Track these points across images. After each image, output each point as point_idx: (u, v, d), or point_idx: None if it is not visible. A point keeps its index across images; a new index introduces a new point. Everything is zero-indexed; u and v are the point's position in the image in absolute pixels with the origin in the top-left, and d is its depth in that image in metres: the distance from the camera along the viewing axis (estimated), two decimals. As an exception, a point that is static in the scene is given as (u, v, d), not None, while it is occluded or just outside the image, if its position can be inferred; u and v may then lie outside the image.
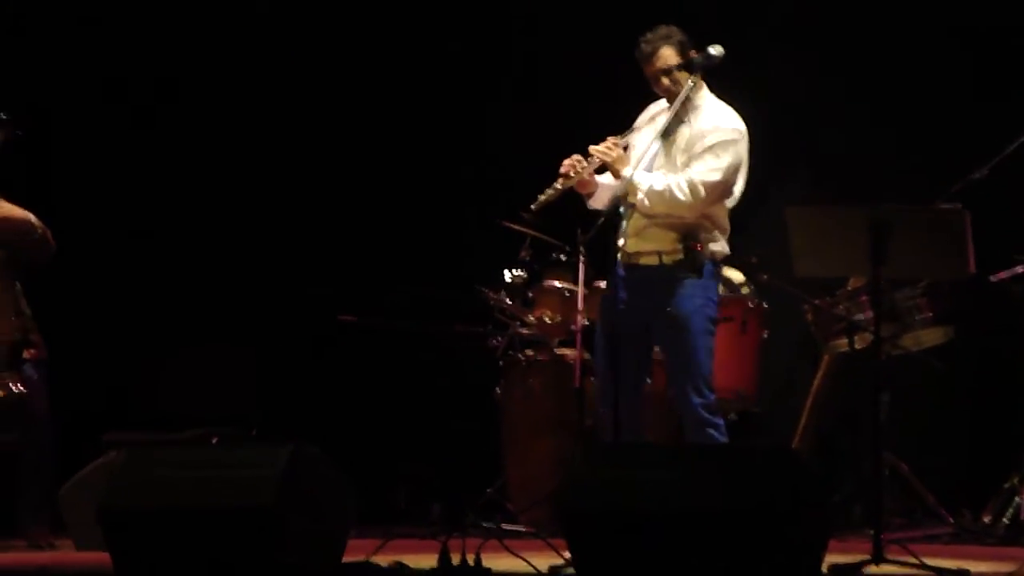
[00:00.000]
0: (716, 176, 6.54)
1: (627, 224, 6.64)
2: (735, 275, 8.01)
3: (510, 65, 9.15)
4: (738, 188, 6.69)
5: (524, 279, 8.16)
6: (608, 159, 6.61)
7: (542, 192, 6.65)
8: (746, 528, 5.03)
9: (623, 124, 6.80)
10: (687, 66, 6.57)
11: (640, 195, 6.51)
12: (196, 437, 7.76)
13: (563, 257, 8.06)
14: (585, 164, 6.63)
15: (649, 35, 6.65)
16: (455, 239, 8.90)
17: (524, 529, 7.65)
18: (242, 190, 9.31)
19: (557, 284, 8.07)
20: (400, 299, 8.53)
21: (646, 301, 6.59)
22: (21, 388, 7.08)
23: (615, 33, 7.25)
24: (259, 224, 9.27)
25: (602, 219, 6.45)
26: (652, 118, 6.77)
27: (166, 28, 9.34)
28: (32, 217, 7.29)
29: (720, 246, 6.71)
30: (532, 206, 6.68)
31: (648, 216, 6.57)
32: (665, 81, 6.63)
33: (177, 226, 9.29)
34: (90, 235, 8.65)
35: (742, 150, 6.64)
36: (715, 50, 6.56)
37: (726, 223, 6.73)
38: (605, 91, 8.10)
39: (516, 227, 7.95)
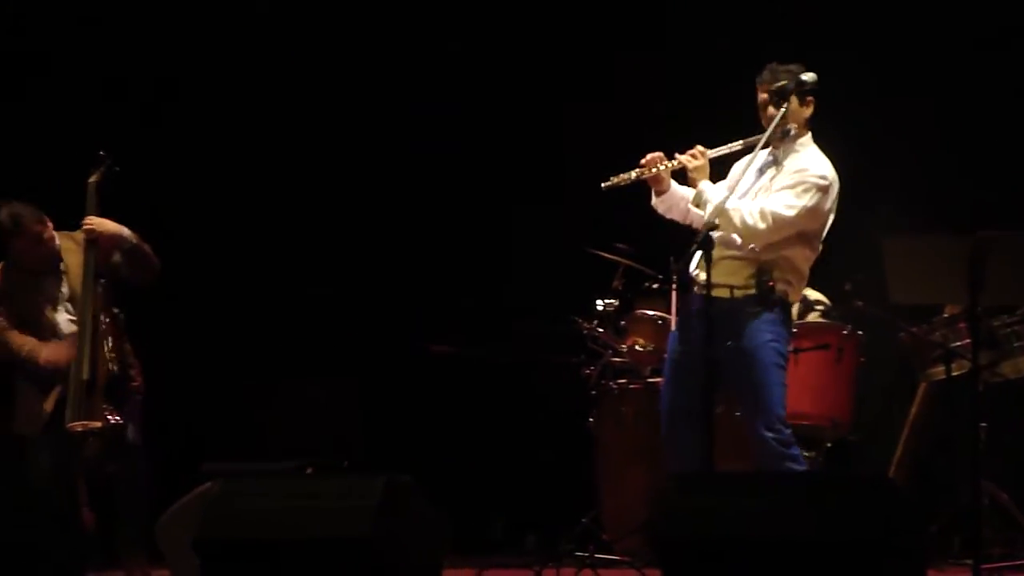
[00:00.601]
0: (790, 213, 6.47)
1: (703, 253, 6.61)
2: (811, 293, 7.95)
3: (601, 94, 9.14)
4: (821, 237, 6.63)
5: (616, 308, 8.15)
6: (690, 164, 6.60)
7: (615, 175, 6.66)
8: (842, 558, 4.98)
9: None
10: (779, 92, 6.54)
11: (709, 207, 6.49)
12: (292, 468, 7.81)
13: (655, 286, 8.04)
14: (667, 163, 6.64)
15: (778, 64, 6.61)
16: (548, 269, 8.90)
17: (619, 558, 7.63)
18: (340, 225, 9.37)
19: (649, 312, 8.04)
20: (494, 329, 8.54)
21: (718, 335, 6.54)
22: (119, 419, 7.12)
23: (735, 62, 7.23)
24: (354, 257, 9.32)
25: (695, 247, 6.42)
26: (743, 151, 6.72)
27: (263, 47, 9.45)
28: (124, 230, 7.32)
29: (793, 292, 6.64)
30: (603, 184, 6.68)
31: (713, 231, 6.51)
32: (772, 110, 6.58)
33: (276, 258, 9.35)
34: (191, 264, 8.71)
35: (825, 197, 6.55)
36: (807, 76, 6.53)
37: (805, 271, 6.66)
38: (707, 119, 8.09)
39: (609, 256, 7.96)
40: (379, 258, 9.31)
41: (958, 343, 7.40)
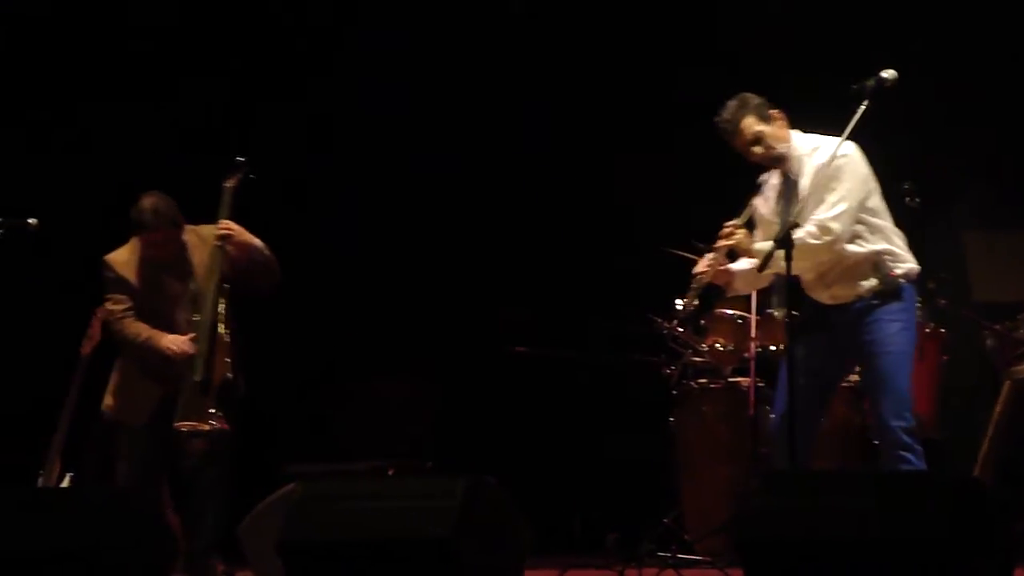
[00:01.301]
0: (842, 206, 6.44)
1: (814, 279, 6.58)
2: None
3: (684, 91, 9.11)
4: (874, 201, 6.59)
5: (696, 307, 8.12)
6: (733, 242, 6.57)
7: (682, 296, 6.70)
8: (928, 558, 4.94)
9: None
10: (857, 93, 6.50)
11: (780, 261, 6.46)
12: (373, 469, 7.83)
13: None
14: (712, 256, 6.61)
15: (723, 113, 6.58)
16: (627, 268, 8.89)
17: (700, 558, 7.61)
18: (422, 224, 9.41)
19: (729, 312, 8.02)
20: (573, 329, 8.54)
21: (843, 331, 6.52)
22: (225, 426, 7.11)
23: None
24: (436, 257, 9.35)
25: (774, 246, 6.39)
26: (758, 192, 6.70)
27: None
28: (258, 241, 7.31)
29: (910, 263, 6.60)
30: (682, 307, 6.70)
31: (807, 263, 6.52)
32: (757, 150, 6.56)
33: (358, 258, 9.39)
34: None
35: (855, 166, 6.52)
36: (887, 73, 6.47)
37: (898, 238, 6.62)
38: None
39: (688, 255, 7.94)
40: (460, 258, 9.33)
41: (1043, 341, 7.34)
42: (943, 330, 7.81)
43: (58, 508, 5.73)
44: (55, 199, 8.69)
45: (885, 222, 6.60)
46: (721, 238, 6.57)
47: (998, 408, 8.02)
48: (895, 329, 6.49)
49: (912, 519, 5.01)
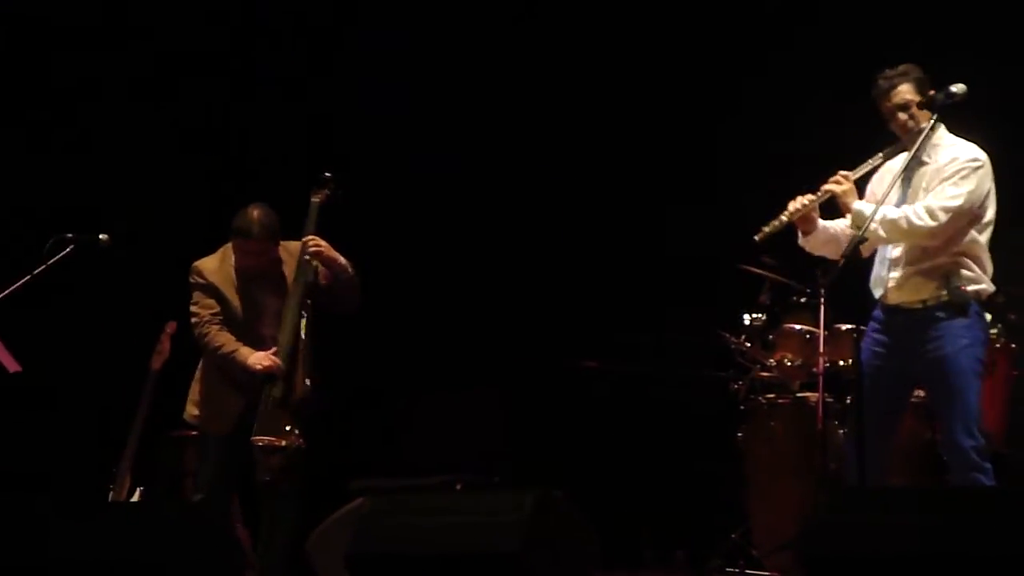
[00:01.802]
0: (957, 201, 6.42)
1: (887, 275, 6.56)
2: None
3: (748, 106, 9.10)
4: (988, 217, 6.55)
5: (764, 322, 8.11)
6: (837, 190, 6.56)
7: (767, 224, 6.63)
8: (999, 575, 4.91)
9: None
10: (928, 104, 6.48)
11: (873, 224, 6.43)
12: (441, 483, 7.84)
13: (803, 299, 8.00)
14: (812, 197, 6.60)
15: (888, 71, 6.59)
16: (696, 283, 8.87)
17: (768, 574, 7.60)
18: (490, 238, 9.42)
19: (797, 327, 8.00)
20: (642, 344, 8.54)
21: (909, 344, 6.50)
22: (302, 442, 7.11)
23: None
24: (505, 271, 9.36)
25: (843, 260, 6.37)
26: (882, 162, 6.68)
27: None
28: (348, 263, 7.31)
29: (984, 285, 6.57)
30: (756, 236, 6.65)
31: (889, 242, 6.48)
32: (902, 116, 6.55)
33: (425, 270, 9.41)
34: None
35: (984, 177, 6.50)
36: (957, 88, 6.45)
37: (987, 260, 6.58)
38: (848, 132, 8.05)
39: (756, 270, 7.93)
40: (529, 272, 9.33)
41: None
42: (1013, 345, 7.75)
43: (128, 522, 5.76)
44: (129, 212, 8.77)
45: (984, 242, 6.56)
46: (829, 183, 6.58)
47: (1067, 423, 7.96)
48: (961, 345, 6.45)
49: (982, 535, 4.97)
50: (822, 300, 7.46)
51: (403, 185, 9.51)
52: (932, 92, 6.52)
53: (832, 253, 6.69)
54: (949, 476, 6.66)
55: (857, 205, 6.54)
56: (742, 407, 8.15)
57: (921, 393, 7.33)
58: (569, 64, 9.41)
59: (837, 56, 8.65)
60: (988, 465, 6.46)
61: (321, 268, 7.24)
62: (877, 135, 6.68)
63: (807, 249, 6.75)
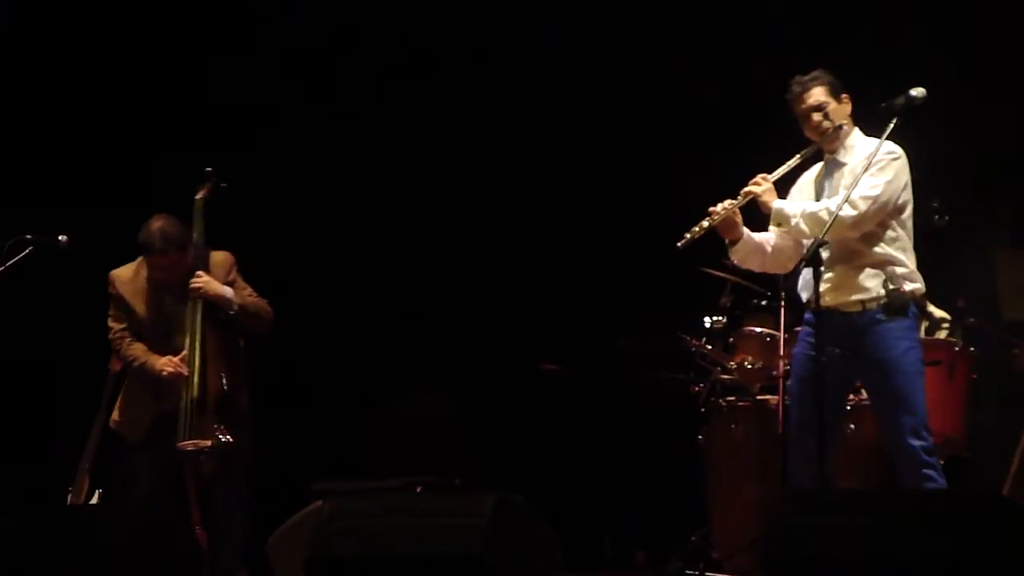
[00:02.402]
0: (876, 191, 6.47)
1: (818, 279, 6.58)
2: (936, 311, 7.91)
3: (700, 105, 9.12)
4: (908, 210, 6.59)
5: (724, 325, 8.13)
6: (757, 190, 6.59)
7: (688, 230, 6.64)
8: (957, 576, 4.93)
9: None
10: (888, 109, 6.51)
11: (794, 220, 6.48)
12: (401, 486, 7.83)
13: (763, 302, 8.02)
14: (733, 201, 6.62)
15: (800, 76, 6.68)
16: (656, 286, 8.88)
17: (729, 577, 7.61)
18: (449, 241, 9.41)
19: (757, 330, 8.02)
20: (602, 347, 8.54)
21: (847, 347, 6.52)
22: (229, 438, 7.14)
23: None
24: (463, 275, 9.35)
25: (802, 263, 6.39)
26: (799, 163, 6.73)
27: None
28: (228, 296, 7.27)
29: (918, 284, 6.62)
30: (678, 243, 6.66)
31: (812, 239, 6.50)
32: (816, 117, 6.62)
33: (386, 274, 9.40)
34: (297, 281, 8.78)
35: (902, 168, 6.56)
36: (917, 91, 6.47)
37: (913, 256, 6.64)
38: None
39: (716, 273, 7.94)
40: (489, 276, 9.33)
41: (1072, 359, 7.31)
42: (972, 349, 7.78)
43: (86, 525, 5.73)
44: (86, 214, 8.72)
45: (908, 238, 6.60)
46: (749, 185, 6.60)
47: (1028, 426, 8.01)
48: (904, 348, 6.49)
49: (941, 538, 4.99)
50: (782, 303, 7.48)
51: (365, 188, 9.49)
52: (844, 96, 6.66)
53: (758, 265, 6.78)
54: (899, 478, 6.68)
55: (777, 204, 6.59)
56: (702, 409, 8.17)
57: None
58: (514, 70, 9.42)
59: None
60: (937, 462, 6.49)
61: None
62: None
63: (735, 260, 6.79)
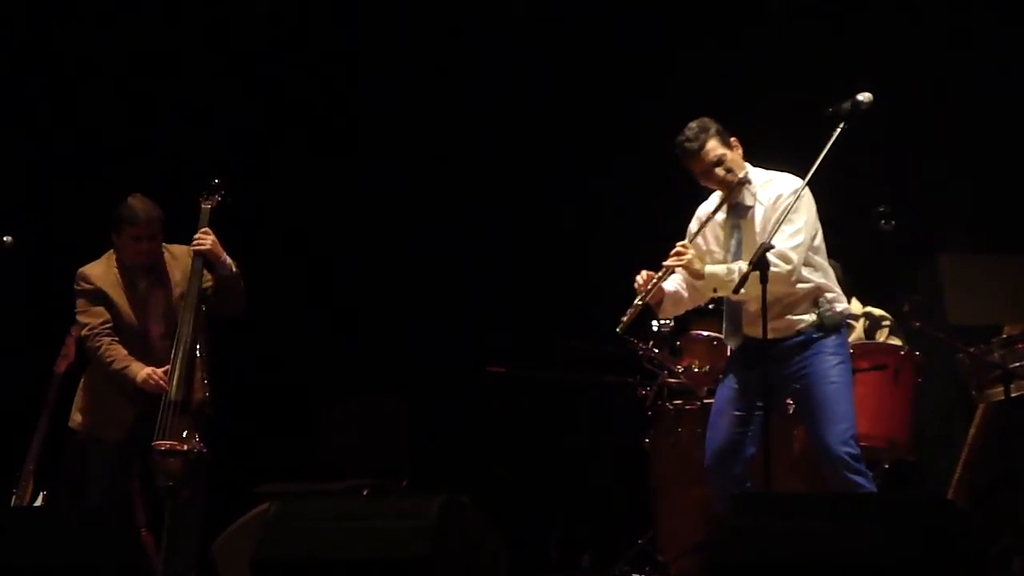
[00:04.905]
0: (799, 238, 6.57)
1: (751, 316, 6.64)
2: (875, 311, 7.98)
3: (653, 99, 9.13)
4: (819, 238, 6.69)
5: (672, 328, 8.14)
6: (682, 262, 6.61)
7: (624, 314, 6.69)
8: (903, 579, 4.96)
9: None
10: (835, 116, 6.53)
11: (732, 286, 6.51)
12: (348, 488, 7.81)
13: (711, 306, 8.03)
14: (659, 275, 6.65)
15: (686, 133, 6.67)
16: (603, 288, 8.89)
17: (674, 580, 7.62)
18: (395, 242, 9.40)
19: (704, 333, 8.03)
20: (548, 349, 8.54)
21: (779, 367, 6.58)
22: (203, 447, 7.11)
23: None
24: (410, 276, 9.34)
25: (750, 267, 6.41)
26: (709, 218, 6.76)
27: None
28: (233, 263, 7.33)
29: (844, 304, 6.78)
30: (618, 328, 6.73)
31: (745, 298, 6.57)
32: (720, 172, 6.67)
33: (331, 276, 9.39)
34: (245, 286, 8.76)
35: (810, 203, 6.65)
36: (863, 96, 6.50)
37: (832, 275, 6.77)
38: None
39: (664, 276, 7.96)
40: (436, 276, 9.32)
41: (1017, 363, 7.35)
42: (917, 353, 7.82)
43: (31, 527, 5.70)
44: (31, 216, 8.69)
45: (824, 261, 6.69)
46: (671, 257, 6.62)
47: (972, 431, 8.05)
48: (835, 362, 6.64)
49: (884, 540, 5.02)
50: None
51: (313, 190, 9.47)
52: (733, 140, 6.70)
53: (683, 310, 6.87)
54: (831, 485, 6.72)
55: (709, 269, 6.64)
56: (649, 412, 8.17)
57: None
58: (460, 70, 9.44)
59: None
60: (865, 469, 6.56)
61: (208, 278, 7.27)
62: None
63: (663, 318, 6.87)
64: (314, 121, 9.56)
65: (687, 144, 6.65)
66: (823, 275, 6.69)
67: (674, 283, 6.80)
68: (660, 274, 6.66)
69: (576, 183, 9.19)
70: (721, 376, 6.95)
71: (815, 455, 6.78)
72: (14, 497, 7.96)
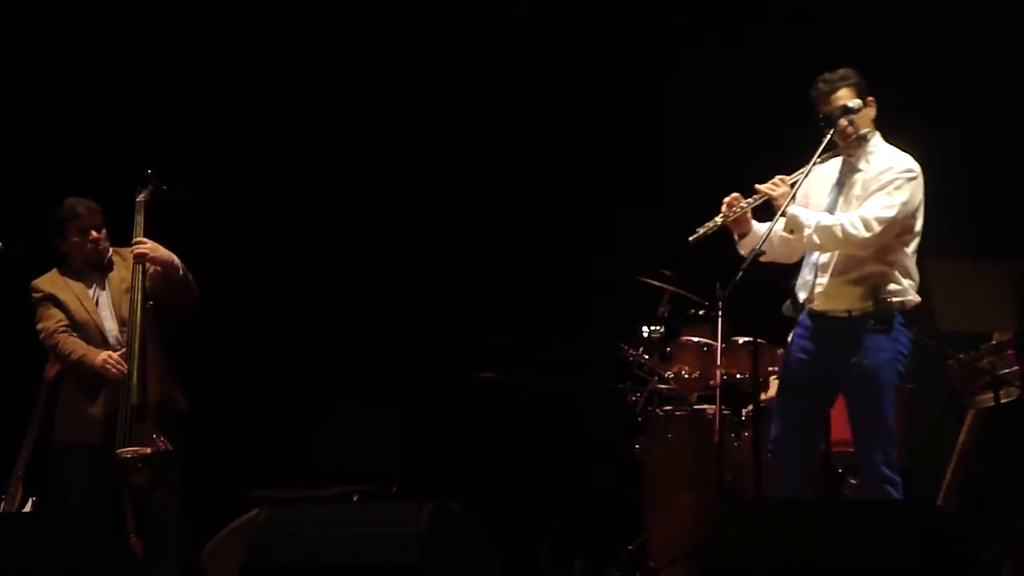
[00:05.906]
0: (890, 212, 6.49)
1: (814, 281, 6.60)
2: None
3: (655, 123, 9.13)
4: (917, 228, 6.64)
5: (662, 334, 8.13)
6: (772, 193, 6.58)
7: (701, 225, 6.65)
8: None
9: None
10: (826, 119, 6.53)
11: (807, 231, 6.49)
12: (338, 494, 7.80)
13: (701, 312, 8.03)
14: (748, 200, 6.63)
15: (827, 74, 6.66)
16: (593, 295, 8.89)
17: (665, 586, 7.62)
18: (384, 251, 9.39)
19: (695, 339, 8.03)
20: (539, 356, 8.54)
21: (833, 353, 6.55)
22: (169, 446, 7.12)
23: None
24: (400, 283, 9.33)
25: (740, 274, 6.41)
26: (815, 164, 6.68)
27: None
28: (176, 259, 7.34)
29: (909, 296, 6.65)
30: (691, 238, 6.68)
31: (820, 250, 6.53)
32: (843, 121, 6.59)
33: (322, 284, 9.37)
34: (236, 288, 8.73)
35: (917, 188, 6.60)
36: (854, 103, 6.54)
37: (914, 271, 6.68)
38: (747, 149, 8.10)
39: (654, 282, 7.95)
40: (427, 284, 9.30)
41: (1006, 370, 7.36)
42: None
43: (20, 534, 5.69)
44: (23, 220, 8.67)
45: (912, 252, 6.62)
46: (766, 185, 6.60)
47: (961, 437, 8.04)
48: (884, 359, 6.53)
49: (875, 548, 5.02)
50: (719, 313, 7.49)
51: (302, 196, 9.45)
52: (870, 100, 6.65)
53: (766, 258, 6.71)
54: (844, 489, 6.72)
55: (793, 209, 6.58)
56: (639, 419, 8.17)
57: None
58: (468, 73, 9.42)
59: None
60: (898, 478, 6.56)
61: (151, 269, 7.28)
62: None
63: (743, 253, 6.77)
64: (308, 122, 9.52)
65: (821, 84, 6.64)
66: (902, 265, 6.61)
67: (769, 226, 6.69)
68: (750, 200, 6.63)
69: (570, 191, 9.17)
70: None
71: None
72: (3, 503, 7.94)
